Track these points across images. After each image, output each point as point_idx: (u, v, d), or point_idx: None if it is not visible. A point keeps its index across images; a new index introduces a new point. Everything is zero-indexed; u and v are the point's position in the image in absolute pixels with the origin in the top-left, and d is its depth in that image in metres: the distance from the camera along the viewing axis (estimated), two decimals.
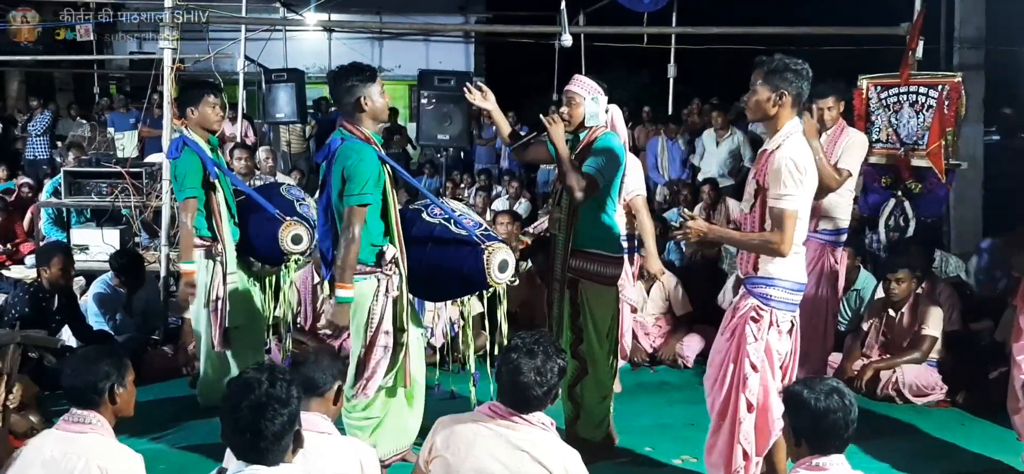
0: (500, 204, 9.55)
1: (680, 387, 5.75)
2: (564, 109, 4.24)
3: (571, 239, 4.23)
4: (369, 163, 3.78)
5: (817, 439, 2.75)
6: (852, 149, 5.12)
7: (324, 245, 4.04)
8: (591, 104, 4.18)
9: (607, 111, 4.26)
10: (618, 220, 4.48)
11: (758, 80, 3.56)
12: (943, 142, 6.30)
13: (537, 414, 2.90)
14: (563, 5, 7.23)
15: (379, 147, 3.91)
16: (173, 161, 4.81)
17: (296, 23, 13.34)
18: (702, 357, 6.20)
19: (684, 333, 6.28)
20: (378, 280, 3.90)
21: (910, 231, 6.47)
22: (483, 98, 4.35)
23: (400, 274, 3.97)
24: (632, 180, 5.04)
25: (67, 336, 5.66)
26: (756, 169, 3.65)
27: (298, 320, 6.14)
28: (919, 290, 5.66)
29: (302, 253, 4.92)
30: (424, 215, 4.17)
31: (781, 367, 3.68)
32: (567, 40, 7.26)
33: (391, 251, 3.91)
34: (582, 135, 4.25)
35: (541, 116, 4.12)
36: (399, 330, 4.01)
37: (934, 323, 5.47)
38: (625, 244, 5.06)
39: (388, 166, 3.92)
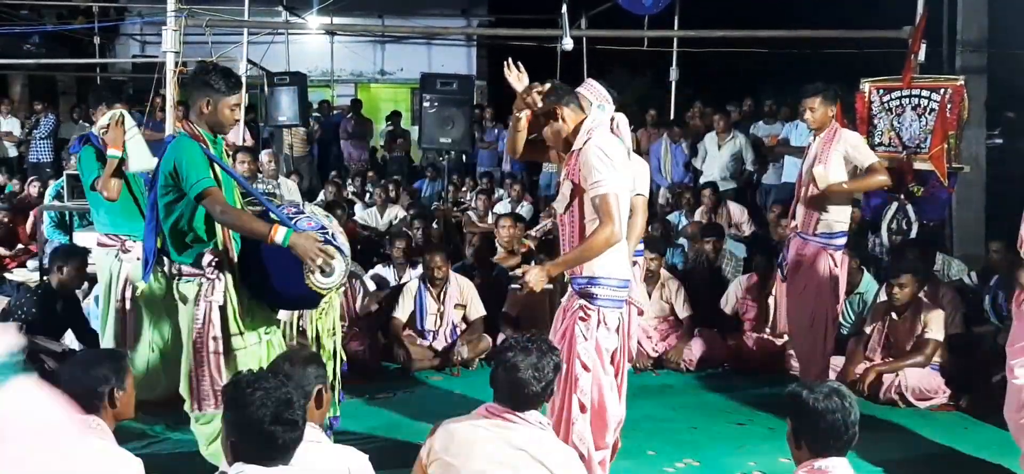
0: (502, 207, 9.54)
1: (682, 391, 5.75)
2: None
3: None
4: (194, 154, 3.75)
5: (817, 441, 2.75)
6: (859, 147, 5.20)
7: (148, 243, 3.98)
8: (597, 111, 4.18)
9: (613, 118, 4.26)
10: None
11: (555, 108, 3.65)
12: (945, 145, 6.30)
13: (533, 413, 2.93)
14: (564, 8, 7.25)
15: (208, 145, 3.85)
16: (76, 155, 4.91)
17: (298, 26, 13.34)
18: (704, 361, 6.21)
19: (688, 337, 6.27)
20: (200, 284, 3.85)
21: (912, 234, 6.46)
22: (518, 78, 4.35)
23: (226, 279, 3.87)
24: (638, 181, 5.02)
25: (70, 339, 5.66)
26: (568, 171, 3.64)
27: (301, 323, 6.14)
28: (921, 293, 5.65)
29: None
30: (271, 216, 3.97)
31: (612, 363, 3.67)
32: (568, 43, 7.27)
33: (211, 254, 3.84)
34: None
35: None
36: (230, 336, 3.91)
37: (937, 327, 5.45)
38: (640, 246, 5.08)
39: (217, 167, 3.84)
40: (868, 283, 6.34)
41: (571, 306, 3.65)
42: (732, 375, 6.14)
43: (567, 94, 3.68)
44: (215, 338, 3.87)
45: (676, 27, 10.62)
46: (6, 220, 8.60)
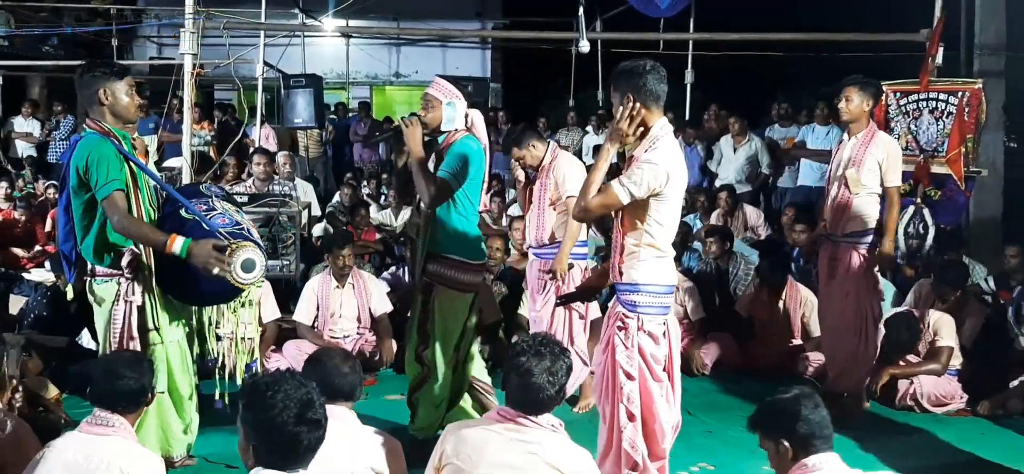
0: (516, 210, 9.54)
1: (697, 394, 5.73)
2: (421, 112, 4.25)
3: (428, 244, 4.22)
4: (107, 153, 3.66)
5: (798, 439, 2.72)
6: (892, 161, 5.04)
7: (65, 246, 3.92)
8: (448, 109, 4.21)
9: (467, 115, 4.28)
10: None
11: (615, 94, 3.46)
12: (963, 149, 6.28)
13: (546, 416, 2.91)
14: (581, 11, 7.25)
15: (120, 142, 3.76)
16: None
17: (314, 29, 13.40)
18: (719, 364, 6.19)
19: (702, 341, 6.26)
20: (119, 284, 3.80)
21: (929, 238, 6.42)
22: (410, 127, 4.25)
23: (144, 278, 3.81)
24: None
25: (86, 340, 5.70)
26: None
27: (315, 325, 6.18)
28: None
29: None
30: (181, 213, 3.89)
31: (665, 370, 3.59)
32: (585, 46, 7.28)
33: (131, 254, 3.77)
34: (441, 139, 4.27)
35: (400, 118, 4.17)
36: (147, 332, 3.86)
37: (948, 333, 5.41)
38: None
39: (131, 164, 3.76)
40: (883, 286, 6.30)
41: (613, 313, 3.60)
42: (746, 378, 6.12)
43: (648, 91, 3.41)
44: (134, 338, 3.82)
45: (691, 30, 10.60)
46: (24, 220, 8.67)
